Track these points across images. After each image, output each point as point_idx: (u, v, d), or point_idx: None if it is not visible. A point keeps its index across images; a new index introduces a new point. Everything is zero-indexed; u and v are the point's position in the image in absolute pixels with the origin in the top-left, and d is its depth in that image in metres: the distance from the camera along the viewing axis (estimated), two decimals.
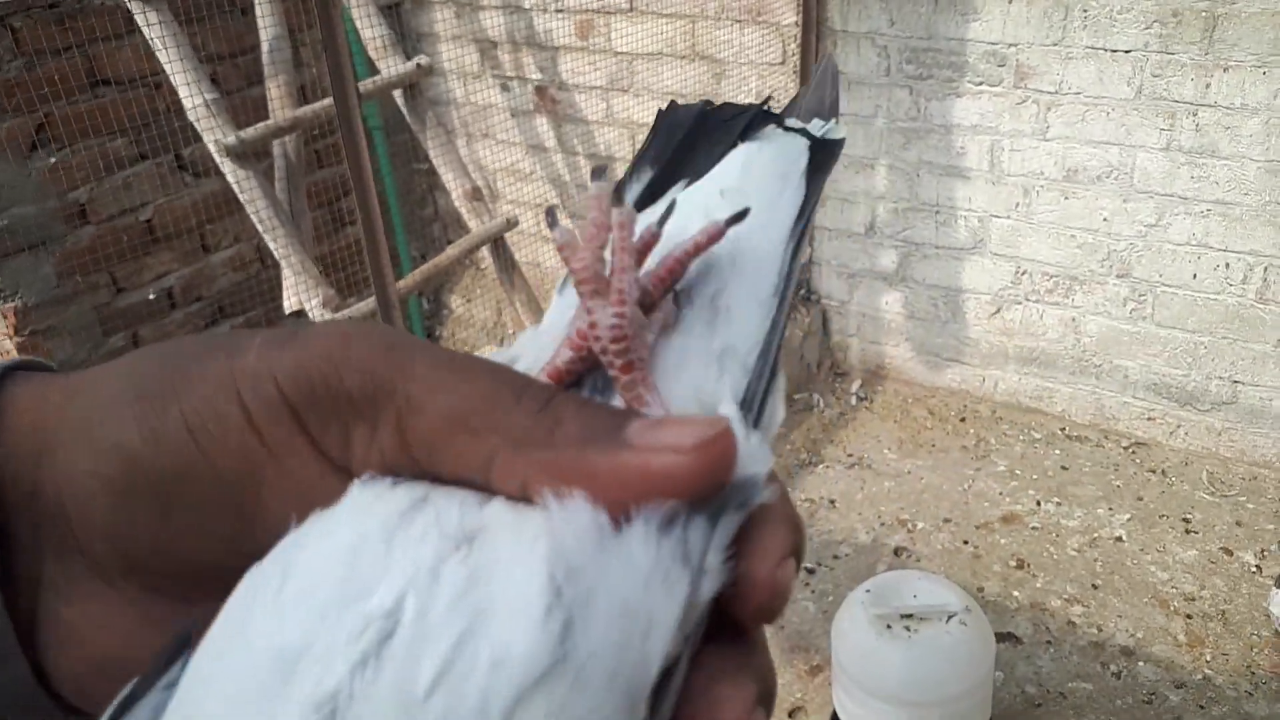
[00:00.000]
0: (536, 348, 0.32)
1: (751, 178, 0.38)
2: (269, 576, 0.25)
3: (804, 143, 0.40)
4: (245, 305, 3.01)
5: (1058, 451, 2.79)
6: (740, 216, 0.33)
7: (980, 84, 2.63)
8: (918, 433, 2.91)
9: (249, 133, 2.10)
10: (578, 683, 0.22)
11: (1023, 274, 2.80)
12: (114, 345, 2.73)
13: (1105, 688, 2.08)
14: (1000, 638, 2.13)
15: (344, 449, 0.27)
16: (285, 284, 2.20)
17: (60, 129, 2.50)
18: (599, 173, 0.34)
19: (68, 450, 0.28)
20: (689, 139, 0.39)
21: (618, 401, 0.30)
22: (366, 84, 2.27)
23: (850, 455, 2.83)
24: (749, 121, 0.40)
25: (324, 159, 3.09)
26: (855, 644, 1.87)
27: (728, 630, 0.27)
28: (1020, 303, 2.84)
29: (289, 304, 2.20)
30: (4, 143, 2.41)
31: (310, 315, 2.18)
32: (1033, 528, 2.52)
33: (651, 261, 0.33)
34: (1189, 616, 2.24)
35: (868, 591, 1.89)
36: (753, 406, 0.31)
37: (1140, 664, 2.13)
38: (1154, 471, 2.69)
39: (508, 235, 2.58)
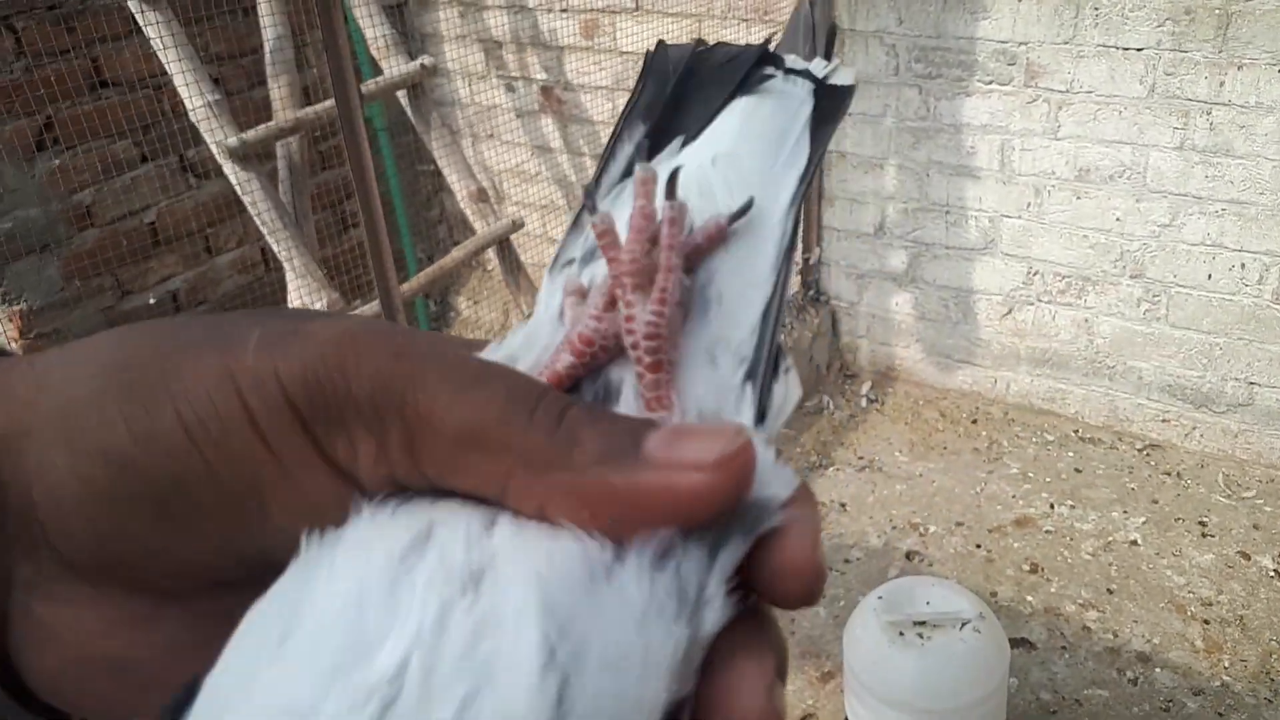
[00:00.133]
0: (534, 348, 0.30)
1: (748, 140, 0.35)
2: (271, 624, 0.24)
3: (807, 88, 0.36)
4: (251, 307, 3.00)
5: (1071, 454, 2.76)
6: (744, 211, 0.32)
7: (990, 83, 2.60)
8: (929, 435, 2.88)
9: (251, 134, 2.08)
10: None
11: (1034, 274, 2.77)
12: None
13: (1122, 695, 2.06)
14: (1014, 643, 2.10)
15: (350, 457, 0.26)
16: (289, 287, 2.19)
17: (63, 131, 2.49)
18: (642, 151, 0.32)
19: (42, 447, 0.26)
20: (682, 87, 0.36)
21: (624, 405, 0.29)
22: (369, 85, 2.25)
23: (861, 458, 2.80)
24: (748, 69, 0.36)
25: (329, 160, 3.07)
26: (868, 651, 1.85)
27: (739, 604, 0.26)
28: (1032, 303, 2.81)
29: (293, 307, 2.18)
30: (7, 145, 2.39)
31: None
32: (1046, 531, 2.49)
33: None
34: (1206, 622, 2.21)
35: (880, 598, 1.87)
36: (755, 394, 0.30)
37: (1157, 670, 2.10)
38: (1169, 474, 2.66)
39: (514, 236, 2.56)
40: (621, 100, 3.15)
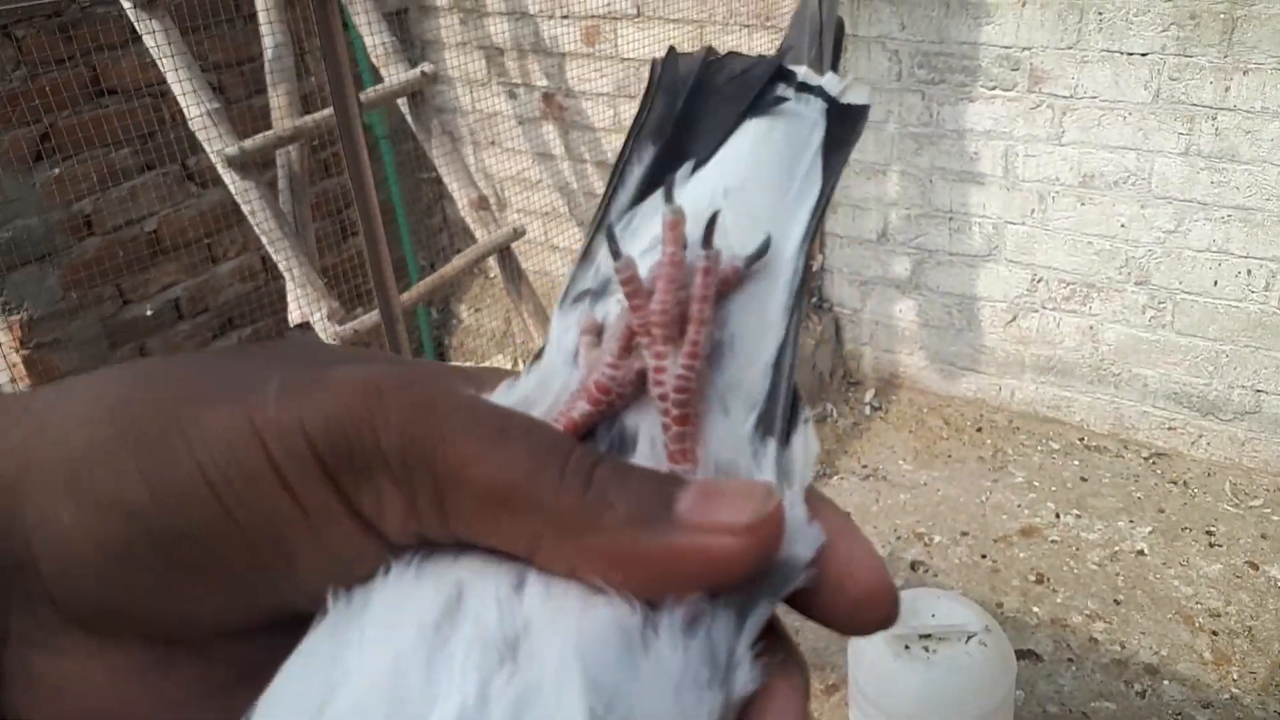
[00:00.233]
0: (549, 391, 0.30)
1: (760, 170, 0.34)
2: (305, 696, 0.24)
3: (819, 109, 0.35)
4: (253, 316, 2.99)
5: (1077, 462, 2.74)
6: (762, 252, 0.31)
7: (994, 88, 2.59)
8: (933, 443, 2.86)
9: (251, 143, 2.07)
10: None
11: (1039, 281, 2.75)
12: (121, 357, 2.71)
13: (1129, 707, 2.04)
14: (1020, 655, 2.08)
15: (377, 509, 0.25)
16: (289, 296, 2.18)
17: (63, 140, 2.48)
18: (668, 192, 0.31)
19: (44, 498, 0.25)
20: (692, 104, 0.35)
21: (640, 454, 0.29)
22: (369, 93, 2.25)
23: (865, 466, 2.79)
24: (761, 86, 0.35)
25: (329, 168, 3.07)
26: (872, 664, 1.83)
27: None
28: (1037, 310, 2.79)
29: (293, 317, 2.17)
30: (7, 154, 2.39)
31: (315, 327, 2.15)
32: (1052, 541, 2.47)
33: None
34: (1215, 633, 2.19)
35: None
36: (776, 446, 0.29)
37: (1165, 682, 2.09)
38: (1175, 483, 2.64)
39: (516, 243, 2.55)
40: (624, 107, 3.14)
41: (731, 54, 0.36)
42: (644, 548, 0.24)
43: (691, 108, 0.35)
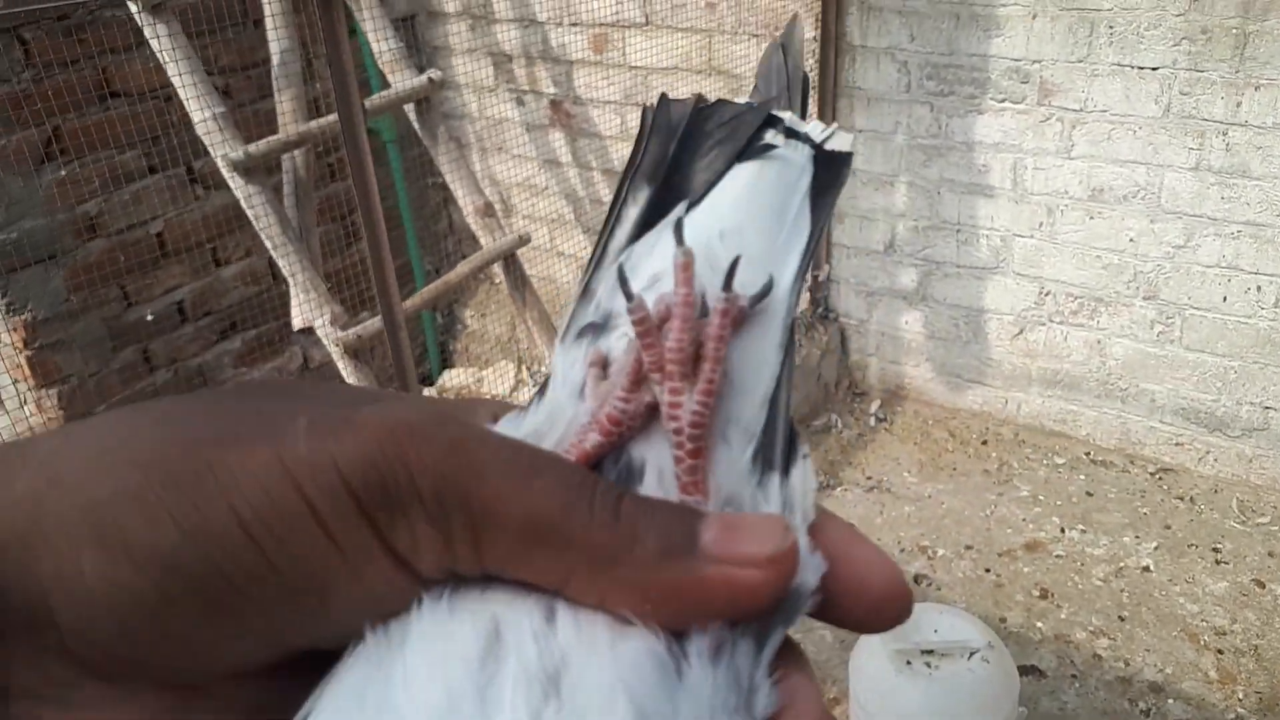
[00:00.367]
0: (559, 424, 0.31)
1: (752, 213, 0.35)
2: None
3: (806, 154, 0.36)
4: (256, 319, 2.98)
5: (1082, 477, 2.72)
6: (765, 293, 0.32)
7: (1003, 101, 2.57)
8: (938, 455, 2.85)
9: (257, 147, 2.07)
10: None
11: (1046, 294, 2.74)
12: (125, 360, 2.71)
13: None
14: (1024, 671, 2.06)
15: (412, 546, 0.26)
16: (293, 301, 2.17)
17: (70, 142, 2.48)
18: (679, 234, 0.32)
19: (63, 549, 0.24)
20: (684, 148, 0.36)
21: (648, 485, 0.30)
22: (375, 99, 2.24)
23: (869, 478, 2.77)
24: (751, 134, 0.36)
25: (336, 173, 3.06)
26: (874, 680, 1.81)
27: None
28: (1044, 324, 2.78)
29: (297, 321, 2.16)
30: (14, 155, 2.39)
31: (319, 333, 2.15)
32: (1057, 556, 2.45)
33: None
34: (1220, 651, 2.17)
35: None
36: (779, 479, 0.31)
37: (1170, 701, 2.07)
38: (1182, 499, 2.62)
39: (521, 250, 2.54)
40: (631, 115, 3.13)
41: (721, 101, 0.37)
42: (674, 579, 0.26)
43: (683, 151, 0.36)
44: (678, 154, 0.36)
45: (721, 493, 0.30)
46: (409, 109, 2.45)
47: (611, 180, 3.26)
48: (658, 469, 0.30)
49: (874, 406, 3.07)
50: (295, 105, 2.22)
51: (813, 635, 2.25)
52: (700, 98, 0.37)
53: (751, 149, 0.36)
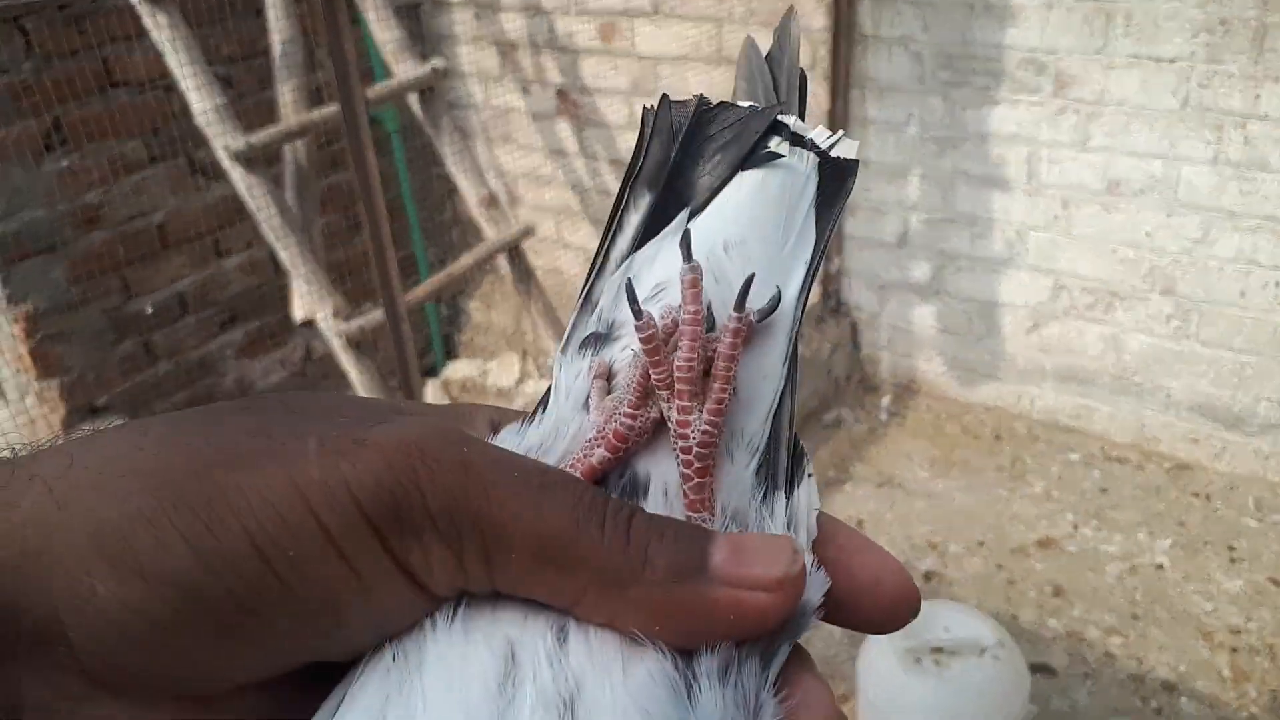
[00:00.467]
0: (563, 437, 0.31)
1: (757, 225, 0.34)
2: None
3: (811, 163, 0.35)
4: (259, 311, 2.96)
5: (1097, 473, 2.69)
6: (773, 307, 0.32)
7: (1018, 92, 2.53)
8: (950, 451, 2.82)
9: (258, 137, 2.04)
10: None
11: (1061, 288, 2.70)
12: (125, 352, 2.68)
13: None
14: (1035, 669, 2.04)
15: (425, 567, 0.26)
16: (294, 292, 2.15)
17: (72, 132, 2.45)
18: (687, 250, 0.31)
19: (75, 570, 0.24)
20: (687, 152, 0.35)
21: (652, 500, 0.30)
22: (378, 88, 2.21)
23: (880, 474, 2.74)
24: (755, 140, 0.35)
25: (340, 162, 3.03)
26: (882, 677, 1.79)
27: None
28: (1059, 318, 2.74)
29: (298, 314, 2.14)
30: (15, 146, 2.36)
31: (320, 325, 2.12)
32: (1070, 553, 2.42)
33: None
34: (1234, 650, 2.14)
35: None
36: (779, 496, 0.31)
37: (1182, 699, 2.04)
38: (1198, 496, 2.59)
39: (528, 241, 2.51)
40: (639, 105, 3.10)
41: (724, 103, 0.36)
42: (684, 601, 0.26)
43: (686, 155, 0.35)
44: (680, 158, 0.35)
45: (727, 509, 0.30)
46: (412, 98, 2.42)
47: (619, 171, 3.23)
48: (663, 484, 0.30)
49: (885, 401, 3.04)
50: (297, 95, 2.19)
51: (821, 632, 2.22)
52: (703, 99, 0.36)
53: (756, 156, 0.35)
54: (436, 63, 2.36)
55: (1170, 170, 2.42)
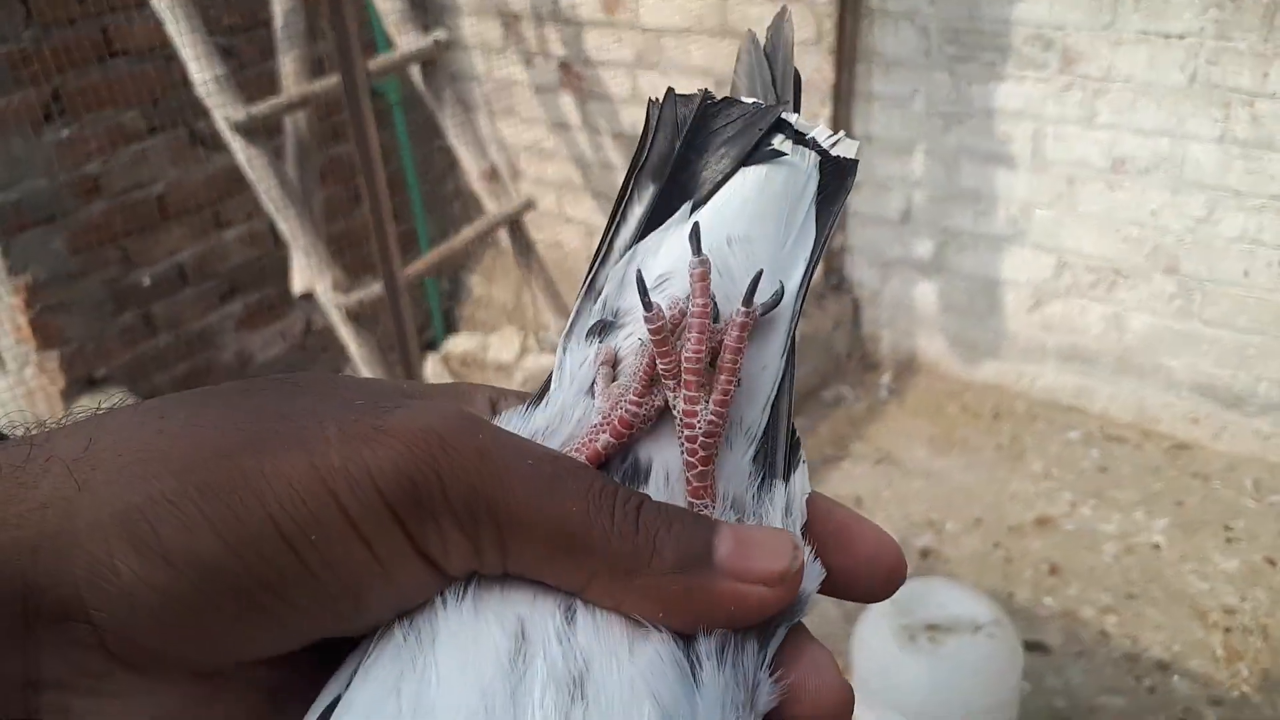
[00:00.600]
0: (567, 422, 0.32)
1: (760, 220, 0.35)
2: None
3: (813, 160, 0.36)
4: (258, 282, 2.96)
5: (1096, 452, 2.69)
6: (777, 302, 0.33)
7: (1025, 68, 2.51)
8: (950, 429, 2.82)
9: (259, 109, 2.03)
10: None
11: (1064, 267, 2.69)
12: (125, 323, 2.68)
13: (1138, 703, 2.00)
14: (1029, 647, 2.05)
15: (442, 551, 0.27)
16: (293, 264, 2.14)
17: (72, 102, 2.44)
18: (696, 243, 0.32)
19: (98, 550, 0.25)
20: (690, 146, 0.36)
21: (654, 485, 0.31)
22: (380, 60, 2.20)
23: (878, 451, 2.74)
24: (759, 137, 0.36)
25: (341, 134, 3.02)
26: (877, 655, 1.80)
27: None
28: (1061, 296, 2.73)
29: (297, 286, 2.13)
30: (15, 116, 2.35)
31: (319, 298, 2.12)
32: (1067, 531, 2.43)
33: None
34: (1228, 630, 2.15)
35: (891, 600, 1.82)
36: (777, 485, 0.32)
37: (1175, 678, 2.05)
38: (1196, 476, 2.59)
39: (529, 215, 2.50)
40: (643, 78, 3.07)
41: (728, 99, 0.37)
42: (688, 591, 0.28)
43: (690, 149, 0.36)
44: (684, 151, 0.36)
45: (727, 496, 0.31)
46: (414, 70, 2.40)
47: (621, 145, 3.21)
48: (664, 469, 0.31)
49: (885, 379, 3.03)
50: (298, 66, 2.18)
51: (816, 608, 2.23)
52: (707, 93, 0.37)
53: (760, 152, 0.36)
54: (439, 34, 2.34)
55: (1176, 148, 2.41)
